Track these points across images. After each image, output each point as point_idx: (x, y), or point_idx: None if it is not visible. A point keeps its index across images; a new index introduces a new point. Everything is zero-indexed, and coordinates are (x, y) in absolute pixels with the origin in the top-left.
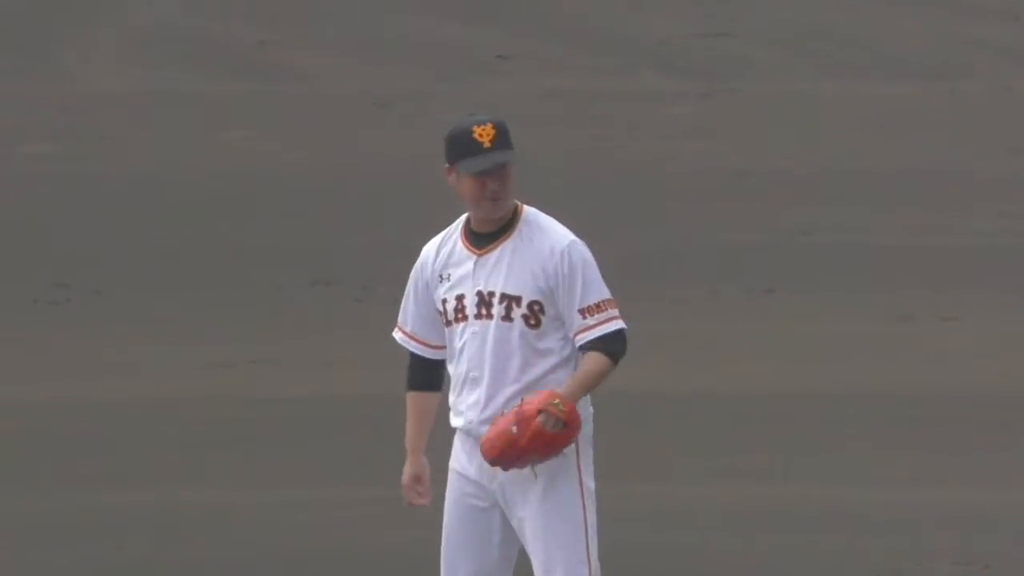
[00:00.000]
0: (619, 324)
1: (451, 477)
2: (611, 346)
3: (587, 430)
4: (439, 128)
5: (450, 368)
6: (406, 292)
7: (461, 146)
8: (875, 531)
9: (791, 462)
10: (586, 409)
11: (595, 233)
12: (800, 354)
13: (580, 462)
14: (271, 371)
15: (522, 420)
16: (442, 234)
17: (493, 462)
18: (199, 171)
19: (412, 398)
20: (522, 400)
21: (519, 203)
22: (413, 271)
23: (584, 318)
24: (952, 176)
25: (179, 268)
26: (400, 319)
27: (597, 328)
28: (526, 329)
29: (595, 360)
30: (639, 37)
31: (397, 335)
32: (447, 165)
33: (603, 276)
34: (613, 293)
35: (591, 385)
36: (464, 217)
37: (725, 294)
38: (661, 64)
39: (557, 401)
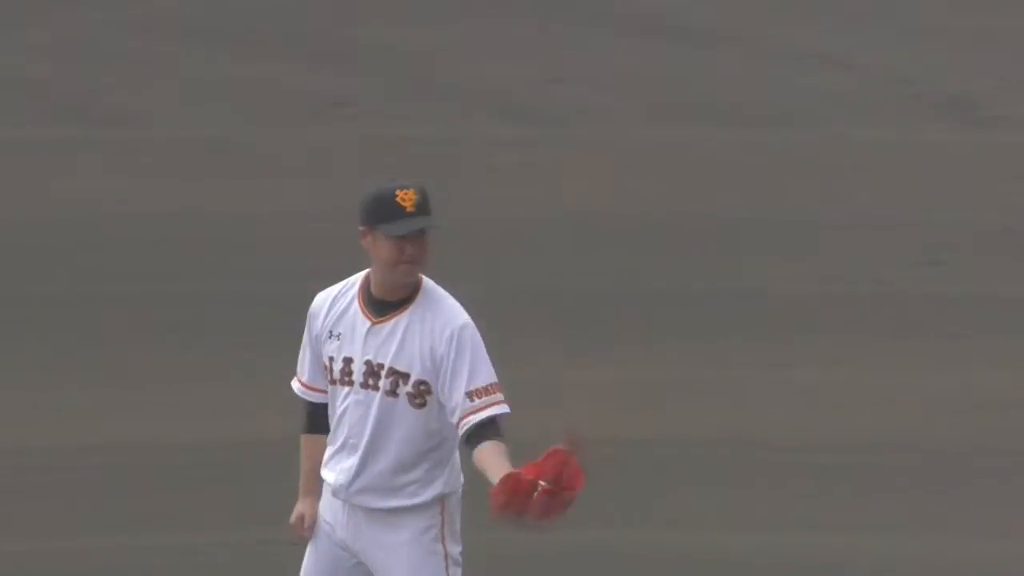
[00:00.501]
0: (505, 408)
1: (320, 524)
2: (499, 429)
3: (456, 504)
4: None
5: (331, 422)
6: (303, 342)
7: (382, 209)
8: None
9: (650, 506)
10: (456, 479)
11: (438, 283)
12: (632, 398)
13: (445, 530)
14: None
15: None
16: (337, 287)
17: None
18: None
19: (307, 440)
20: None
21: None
22: (307, 320)
23: (472, 400)
24: (796, 225)
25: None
26: (298, 369)
27: (486, 410)
28: (409, 408)
29: (499, 447)
30: (469, 82)
31: (295, 385)
32: (362, 227)
33: None
34: None
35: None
36: (363, 276)
37: (568, 344)
38: (498, 110)
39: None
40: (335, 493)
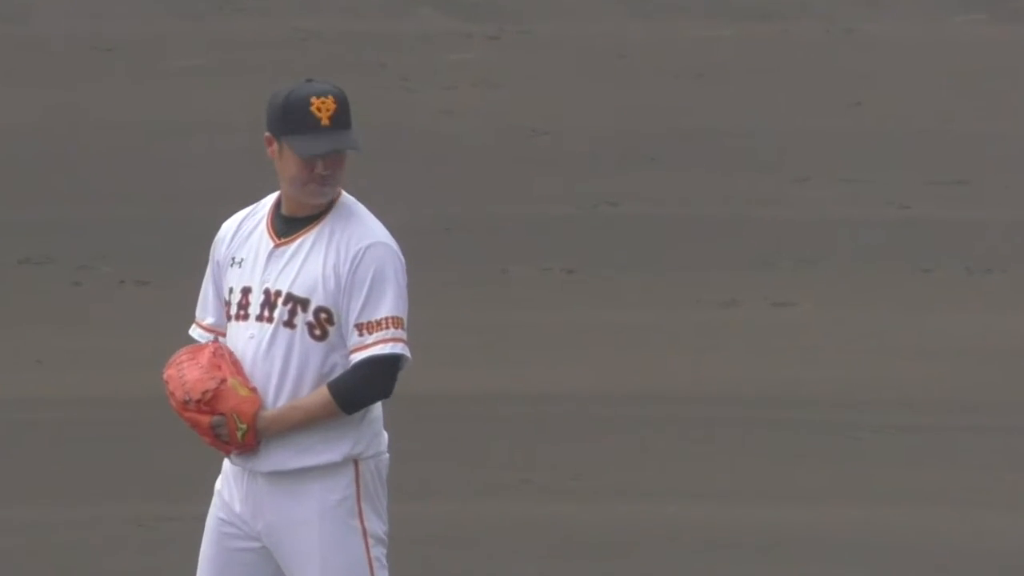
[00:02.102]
0: (396, 349)
1: (215, 500)
2: (366, 377)
3: (377, 472)
4: (176, 79)
5: None
6: (205, 276)
7: (293, 118)
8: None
9: (585, 471)
10: (376, 439)
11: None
12: (602, 345)
13: (362, 502)
14: None
15: (202, 406)
16: (248, 209)
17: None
18: None
19: None
20: (223, 382)
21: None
22: (211, 249)
23: (360, 335)
24: (783, 135)
25: None
26: (198, 312)
27: (371, 348)
28: (309, 340)
29: (321, 396)
30: None
31: (195, 332)
32: (268, 134)
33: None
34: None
35: (304, 424)
36: (277, 195)
37: (516, 276)
38: (441, 2)
39: (244, 426)
40: (232, 457)
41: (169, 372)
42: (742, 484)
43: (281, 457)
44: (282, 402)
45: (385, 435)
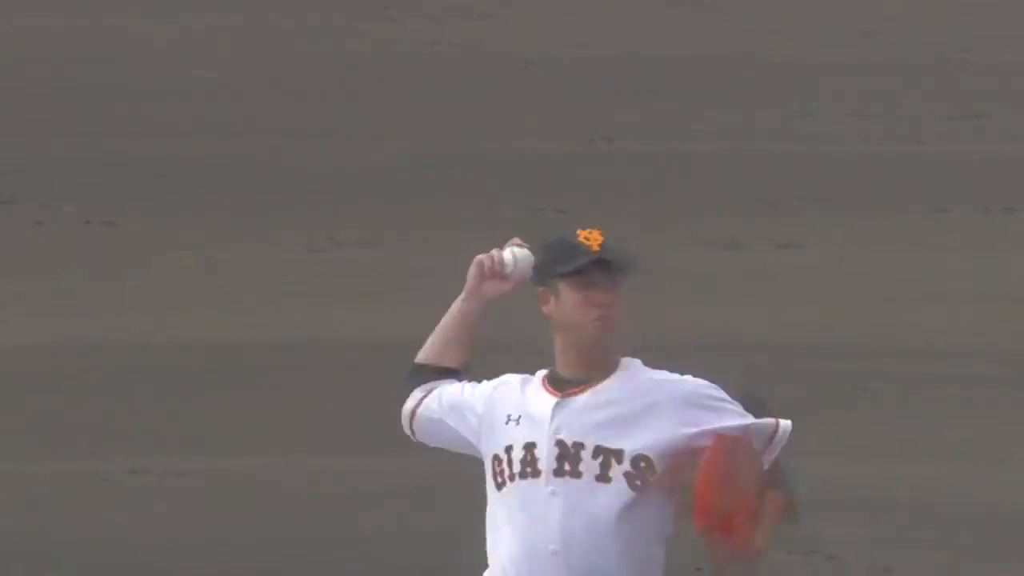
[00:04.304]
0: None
1: None
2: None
3: None
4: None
5: (493, 534)
6: (455, 390)
7: (561, 254)
8: None
9: None
10: None
11: (330, 139)
12: None
13: None
14: None
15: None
16: (522, 376)
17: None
18: None
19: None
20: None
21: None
22: (482, 385)
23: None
24: (789, 66)
25: None
26: (420, 394)
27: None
28: (629, 492)
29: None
30: None
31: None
32: (540, 288)
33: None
34: (354, 219)
35: None
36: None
37: (506, 216)
38: None
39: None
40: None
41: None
42: None
43: None
44: (592, 557)
45: None
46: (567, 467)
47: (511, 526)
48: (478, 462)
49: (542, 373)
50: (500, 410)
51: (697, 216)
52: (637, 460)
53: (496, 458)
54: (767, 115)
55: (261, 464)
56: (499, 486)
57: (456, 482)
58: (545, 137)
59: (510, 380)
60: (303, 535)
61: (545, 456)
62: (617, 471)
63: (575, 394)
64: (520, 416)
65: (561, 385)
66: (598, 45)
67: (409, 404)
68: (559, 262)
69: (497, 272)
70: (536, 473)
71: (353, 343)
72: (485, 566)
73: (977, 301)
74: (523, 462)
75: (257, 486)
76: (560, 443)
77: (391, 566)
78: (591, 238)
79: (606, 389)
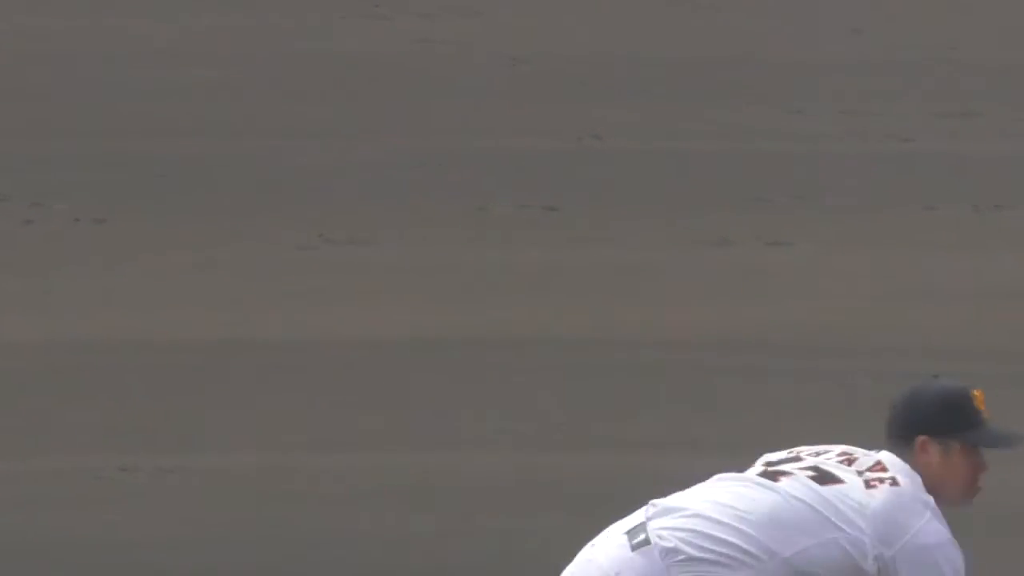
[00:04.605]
0: None
1: None
2: None
3: None
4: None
5: None
6: None
7: (961, 413)
8: None
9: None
10: None
11: (322, 138)
12: (584, 288)
13: None
14: None
15: None
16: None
17: None
18: None
19: None
20: None
21: None
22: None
23: None
24: (778, 64)
25: None
26: None
27: None
28: None
29: None
30: None
31: None
32: (924, 436)
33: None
34: (354, 216)
35: None
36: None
37: (494, 213)
38: None
39: None
40: None
41: None
42: (739, 435)
43: None
44: None
45: None
46: None
47: None
48: (478, 462)
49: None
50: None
51: (687, 214)
52: None
53: None
54: (756, 113)
55: (256, 462)
56: None
57: (456, 482)
58: (536, 135)
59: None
60: (299, 534)
61: None
62: None
63: None
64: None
65: None
66: (589, 43)
67: None
68: (964, 428)
69: None
70: None
71: (348, 341)
72: (482, 565)
73: (967, 298)
74: None
75: (252, 485)
76: None
77: (389, 566)
78: (983, 402)
79: None
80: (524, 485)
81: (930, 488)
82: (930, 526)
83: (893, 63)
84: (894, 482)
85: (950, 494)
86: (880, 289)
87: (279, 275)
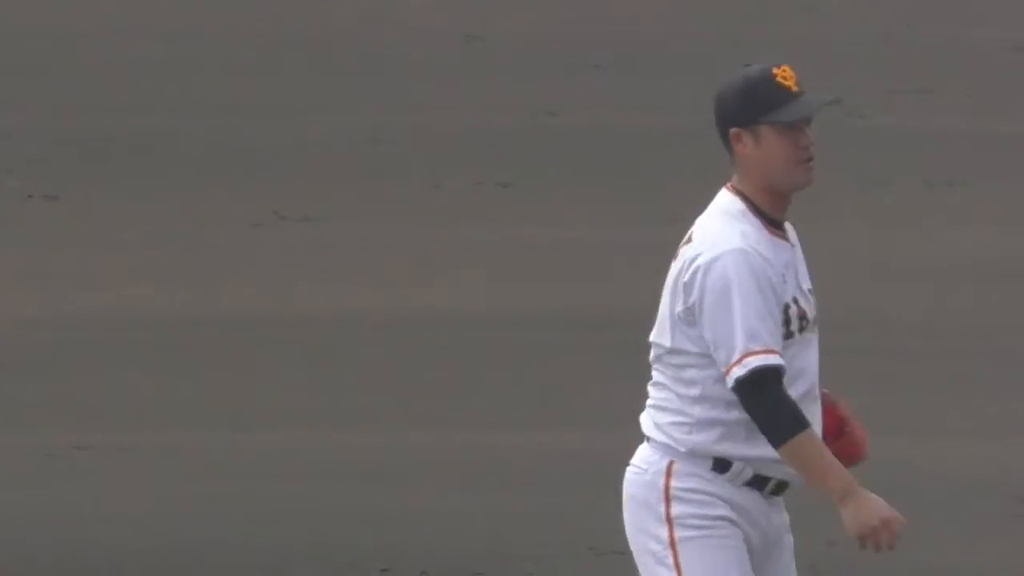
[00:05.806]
0: None
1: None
2: None
3: None
4: None
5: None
6: (751, 303)
7: (763, 97)
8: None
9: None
10: None
11: (274, 115)
12: (539, 265)
13: None
14: None
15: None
16: (731, 222)
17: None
18: None
19: (811, 435)
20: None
21: None
22: (752, 271)
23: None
24: (731, 40)
25: None
26: (766, 339)
27: None
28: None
29: None
30: None
31: (771, 359)
32: (736, 128)
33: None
34: (308, 193)
35: None
36: (738, 200)
37: (448, 189)
38: None
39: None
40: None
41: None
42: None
43: None
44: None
45: None
46: (812, 314)
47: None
48: (436, 440)
49: (743, 210)
50: (775, 271)
51: (638, 190)
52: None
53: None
54: (710, 90)
55: (209, 439)
56: (787, 336)
57: (407, 458)
58: (491, 112)
59: (756, 242)
60: (252, 510)
61: (809, 305)
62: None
63: (785, 238)
64: (783, 273)
65: (773, 227)
66: (543, 20)
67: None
68: (766, 108)
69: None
70: (808, 319)
71: (302, 318)
72: (449, 543)
73: (919, 275)
74: (799, 315)
75: (205, 462)
76: (809, 291)
77: (345, 544)
78: (788, 77)
79: (791, 231)
80: (470, 463)
81: (757, 180)
82: (707, 264)
83: (842, 38)
84: (688, 240)
85: (777, 180)
86: (831, 265)
87: (232, 252)
